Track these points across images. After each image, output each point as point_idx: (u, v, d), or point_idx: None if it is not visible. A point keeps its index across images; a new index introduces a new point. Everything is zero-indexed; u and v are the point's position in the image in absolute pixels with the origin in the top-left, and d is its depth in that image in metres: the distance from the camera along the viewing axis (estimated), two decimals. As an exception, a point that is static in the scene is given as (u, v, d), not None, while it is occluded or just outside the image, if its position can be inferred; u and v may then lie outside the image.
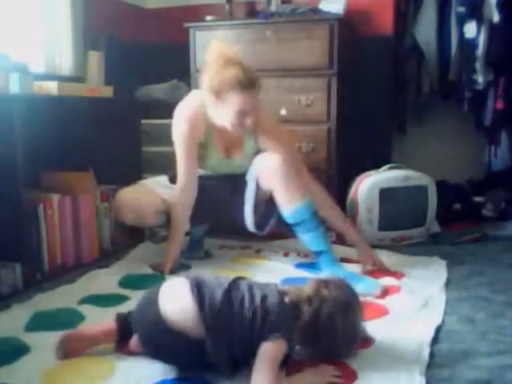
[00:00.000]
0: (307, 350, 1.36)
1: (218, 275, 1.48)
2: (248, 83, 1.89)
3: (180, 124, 2.09)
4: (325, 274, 1.95)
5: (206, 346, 1.25)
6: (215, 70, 1.92)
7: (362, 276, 1.96)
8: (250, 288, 1.34)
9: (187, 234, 2.33)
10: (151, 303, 1.32)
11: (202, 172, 2.21)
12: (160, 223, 2.22)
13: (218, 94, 1.93)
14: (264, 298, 1.30)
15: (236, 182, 2.18)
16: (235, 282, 1.36)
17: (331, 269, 1.96)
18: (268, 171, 2.03)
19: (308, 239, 2.00)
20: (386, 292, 1.85)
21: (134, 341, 1.39)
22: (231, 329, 1.28)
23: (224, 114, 1.97)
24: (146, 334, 1.33)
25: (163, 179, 2.29)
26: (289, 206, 2.00)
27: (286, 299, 1.32)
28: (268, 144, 2.11)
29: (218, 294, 1.30)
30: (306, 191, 2.04)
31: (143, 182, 2.32)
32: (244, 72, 1.90)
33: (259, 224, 2.15)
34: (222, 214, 2.23)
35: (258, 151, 2.16)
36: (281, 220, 2.12)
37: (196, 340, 1.27)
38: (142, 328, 1.34)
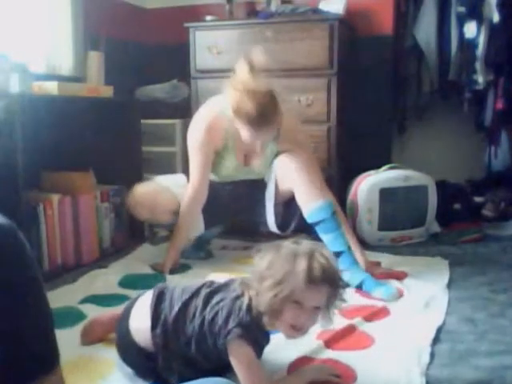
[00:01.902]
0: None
1: (192, 283, 1.35)
2: (258, 122, 1.85)
3: (197, 131, 2.09)
4: (343, 274, 1.95)
5: (158, 362, 1.25)
6: (238, 95, 1.85)
7: (380, 281, 1.93)
8: (210, 295, 1.25)
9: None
10: (125, 317, 1.32)
11: (218, 180, 2.22)
12: (173, 222, 2.22)
13: (235, 116, 1.92)
14: (217, 303, 1.22)
15: (254, 184, 2.19)
16: (198, 291, 1.28)
17: (350, 270, 1.93)
18: (289, 170, 2.04)
19: (328, 239, 1.97)
20: (400, 295, 1.84)
21: None
22: (186, 344, 1.23)
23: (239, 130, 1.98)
24: (119, 346, 1.33)
25: (182, 179, 2.29)
26: (308, 206, 1.99)
27: (244, 294, 1.20)
28: (288, 144, 2.12)
29: (175, 310, 1.25)
30: (327, 191, 2.05)
31: (160, 178, 2.31)
32: (260, 109, 1.82)
33: (281, 224, 2.16)
34: (242, 217, 2.24)
35: (277, 154, 2.16)
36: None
37: (155, 356, 1.26)
38: (117, 339, 1.35)
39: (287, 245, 1.20)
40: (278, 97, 1.89)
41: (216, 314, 1.20)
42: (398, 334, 1.55)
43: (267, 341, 1.27)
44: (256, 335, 1.19)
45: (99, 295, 1.88)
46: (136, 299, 1.36)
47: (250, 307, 1.18)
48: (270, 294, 1.13)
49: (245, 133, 1.92)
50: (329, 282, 1.15)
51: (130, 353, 1.29)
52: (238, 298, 1.21)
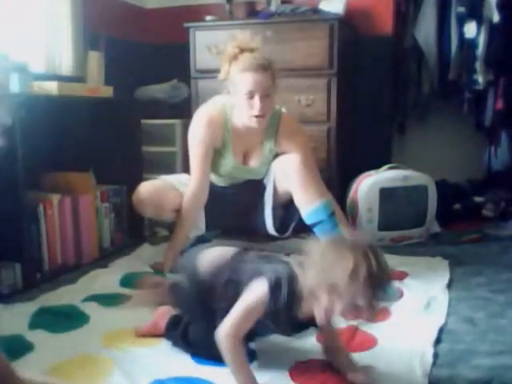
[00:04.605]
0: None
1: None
2: (254, 66, 1.92)
3: (197, 128, 2.10)
4: None
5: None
6: (231, 57, 1.98)
7: None
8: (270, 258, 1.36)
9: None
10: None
11: (220, 183, 2.22)
12: (175, 220, 2.22)
13: (232, 80, 1.96)
14: (271, 262, 1.31)
15: (254, 188, 2.19)
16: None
17: None
18: (286, 172, 2.04)
19: None
20: (401, 295, 1.84)
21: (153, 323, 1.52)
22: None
23: (238, 102, 1.99)
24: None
25: (186, 178, 2.29)
26: (306, 207, 1.99)
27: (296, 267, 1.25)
28: (286, 145, 2.12)
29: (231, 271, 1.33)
30: (325, 192, 2.04)
31: (165, 177, 2.31)
32: (254, 57, 1.94)
33: (280, 227, 2.15)
34: (242, 221, 2.24)
35: (275, 156, 2.16)
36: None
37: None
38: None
39: (344, 239, 1.21)
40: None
41: (264, 264, 1.28)
42: (400, 334, 1.54)
43: (286, 325, 1.26)
44: (282, 299, 1.19)
45: (100, 295, 1.87)
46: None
47: (292, 277, 1.20)
48: (314, 279, 1.15)
49: (243, 82, 1.93)
50: (373, 286, 1.13)
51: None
52: (288, 265, 1.25)
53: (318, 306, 1.18)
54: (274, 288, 1.19)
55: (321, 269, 1.15)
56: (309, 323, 1.26)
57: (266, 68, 1.94)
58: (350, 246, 1.16)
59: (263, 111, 1.96)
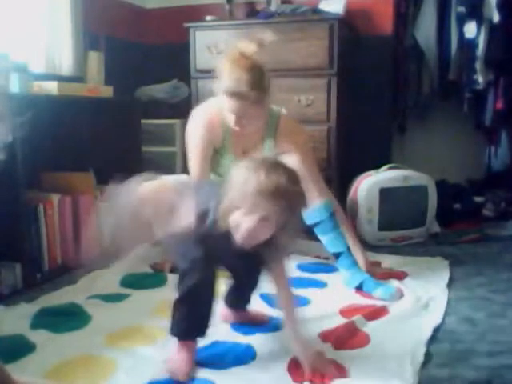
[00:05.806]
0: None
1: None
2: (231, 93, 1.82)
3: (196, 128, 2.08)
4: (343, 275, 1.98)
5: None
6: (222, 70, 1.87)
7: (380, 281, 1.93)
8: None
9: None
10: None
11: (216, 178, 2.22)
12: None
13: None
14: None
15: None
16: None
17: (349, 271, 1.95)
18: None
19: (326, 240, 1.98)
20: (401, 295, 1.83)
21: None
22: None
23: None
24: None
25: (185, 178, 2.28)
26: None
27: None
28: (286, 145, 2.11)
29: None
30: (326, 191, 2.04)
31: (166, 178, 2.30)
32: (237, 81, 1.79)
33: None
34: None
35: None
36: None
37: None
38: None
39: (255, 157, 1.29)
40: (267, 75, 1.87)
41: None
42: (394, 333, 1.55)
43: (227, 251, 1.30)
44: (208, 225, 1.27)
45: (101, 295, 1.88)
46: None
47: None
48: (227, 196, 1.24)
49: (224, 101, 1.86)
50: (280, 198, 1.19)
51: None
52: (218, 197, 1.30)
53: (232, 227, 1.23)
54: (201, 217, 1.28)
55: (228, 192, 1.24)
56: (256, 253, 1.31)
57: (242, 97, 1.81)
58: (254, 163, 1.24)
59: (239, 128, 1.92)
